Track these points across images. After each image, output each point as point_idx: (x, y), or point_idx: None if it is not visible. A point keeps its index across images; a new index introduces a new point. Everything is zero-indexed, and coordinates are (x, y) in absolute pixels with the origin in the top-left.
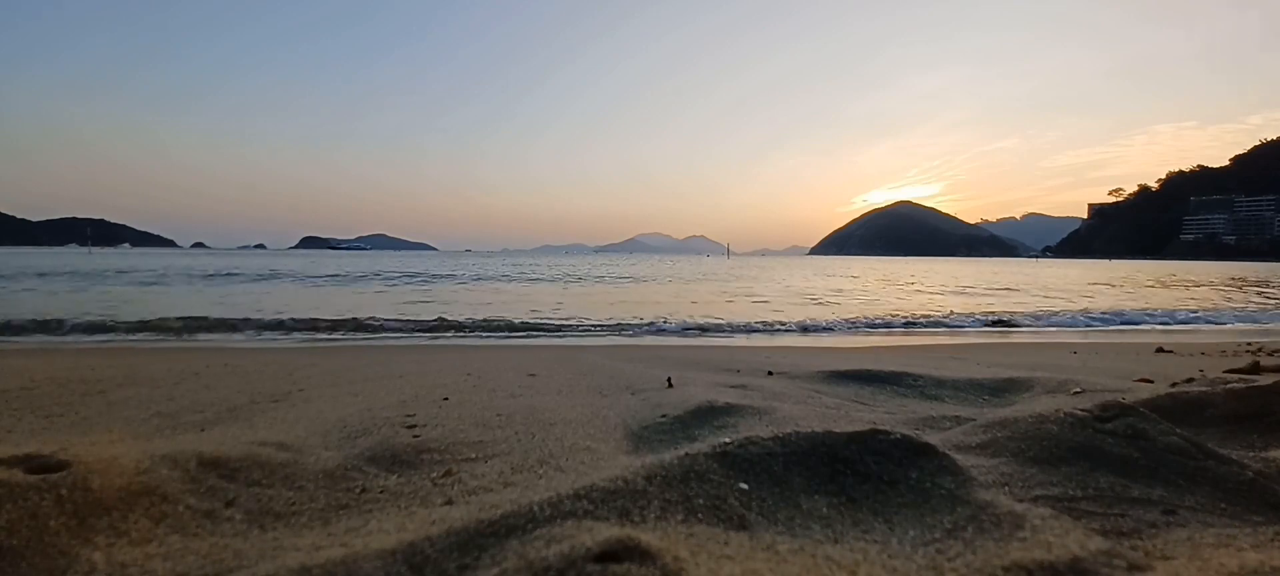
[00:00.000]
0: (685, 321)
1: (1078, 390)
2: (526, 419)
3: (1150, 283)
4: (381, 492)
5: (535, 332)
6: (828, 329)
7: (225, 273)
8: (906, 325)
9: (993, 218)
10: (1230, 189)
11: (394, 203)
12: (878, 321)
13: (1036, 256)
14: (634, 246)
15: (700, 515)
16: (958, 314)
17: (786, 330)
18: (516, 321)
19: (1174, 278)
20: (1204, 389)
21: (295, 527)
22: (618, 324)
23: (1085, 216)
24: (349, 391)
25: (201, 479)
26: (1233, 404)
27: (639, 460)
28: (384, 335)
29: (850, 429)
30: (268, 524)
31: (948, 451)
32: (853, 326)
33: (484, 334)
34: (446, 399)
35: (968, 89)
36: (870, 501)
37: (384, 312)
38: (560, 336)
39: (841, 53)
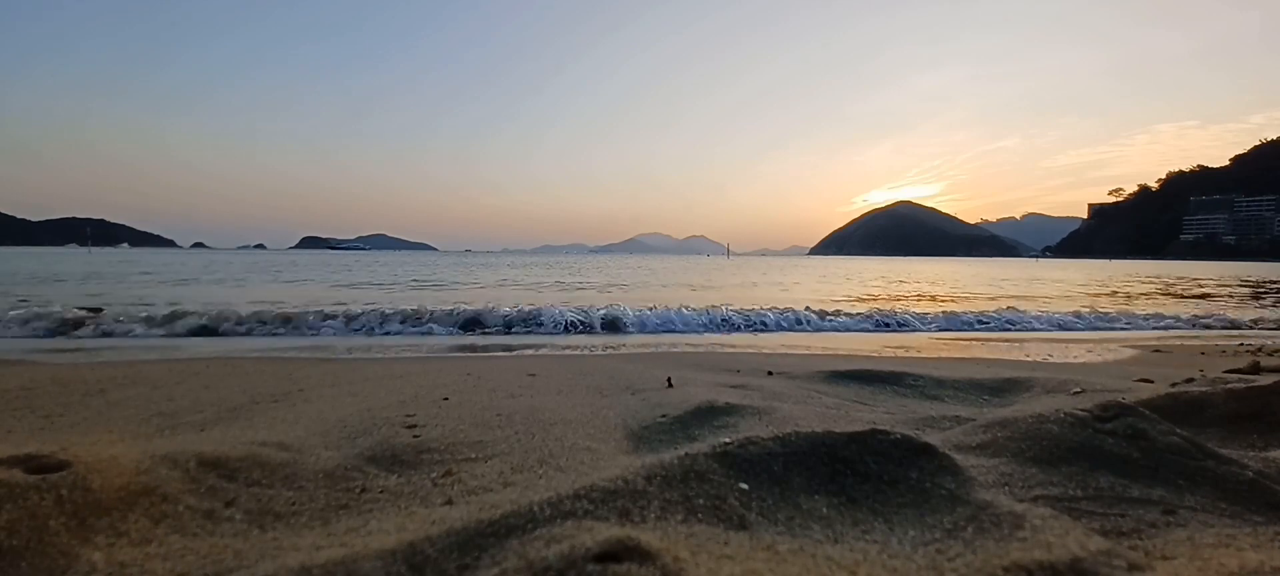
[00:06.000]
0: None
1: (1078, 390)
2: (526, 419)
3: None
4: (381, 492)
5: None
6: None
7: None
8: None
9: (993, 218)
10: (1230, 189)
11: (395, 202)
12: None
13: (1036, 256)
14: (634, 247)
15: (700, 515)
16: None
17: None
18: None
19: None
20: (1204, 389)
21: (295, 527)
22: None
23: (1085, 216)
24: (349, 391)
25: (201, 479)
26: (1233, 404)
27: (639, 460)
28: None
29: (850, 429)
30: (268, 524)
31: (948, 451)
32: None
33: None
34: (446, 399)
35: (968, 89)
36: (870, 501)
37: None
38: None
39: (843, 53)
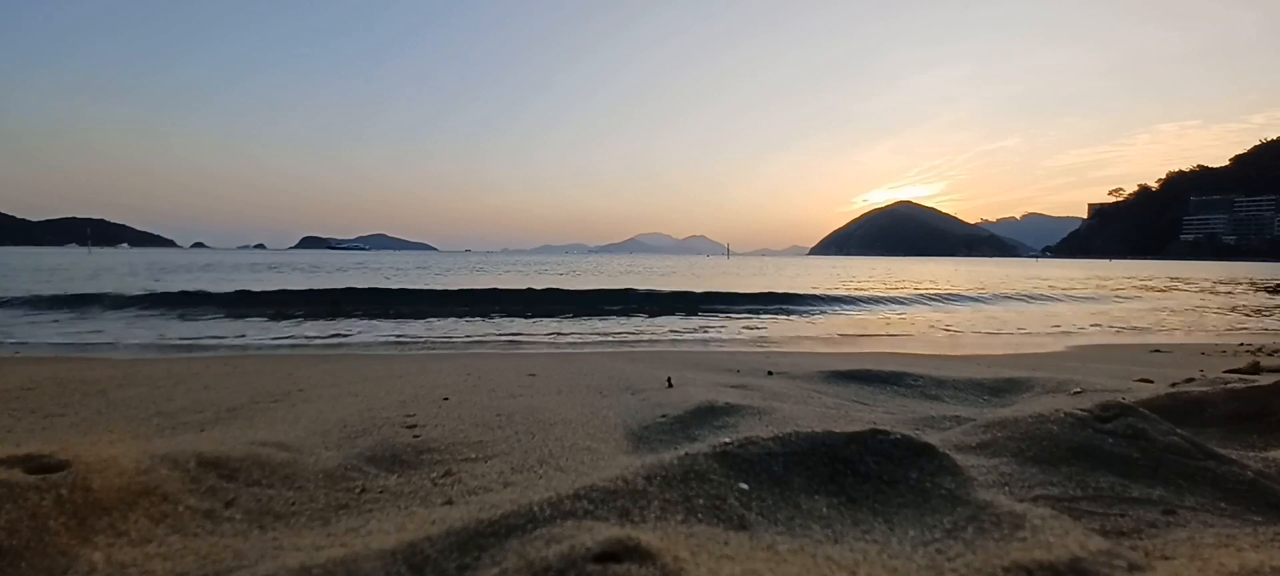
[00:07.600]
0: None
1: (1078, 390)
2: (526, 419)
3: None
4: (381, 492)
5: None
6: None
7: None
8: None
9: (993, 218)
10: (1230, 189)
11: (395, 202)
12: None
13: (1036, 256)
14: (634, 246)
15: (700, 515)
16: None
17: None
18: None
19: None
20: (1204, 389)
21: (295, 527)
22: None
23: (1085, 216)
24: (349, 391)
25: (201, 479)
26: (1233, 404)
27: (639, 460)
28: None
29: (850, 429)
30: (268, 524)
31: (948, 451)
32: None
33: None
34: (446, 399)
35: (969, 89)
36: (870, 501)
37: None
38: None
39: (843, 54)
